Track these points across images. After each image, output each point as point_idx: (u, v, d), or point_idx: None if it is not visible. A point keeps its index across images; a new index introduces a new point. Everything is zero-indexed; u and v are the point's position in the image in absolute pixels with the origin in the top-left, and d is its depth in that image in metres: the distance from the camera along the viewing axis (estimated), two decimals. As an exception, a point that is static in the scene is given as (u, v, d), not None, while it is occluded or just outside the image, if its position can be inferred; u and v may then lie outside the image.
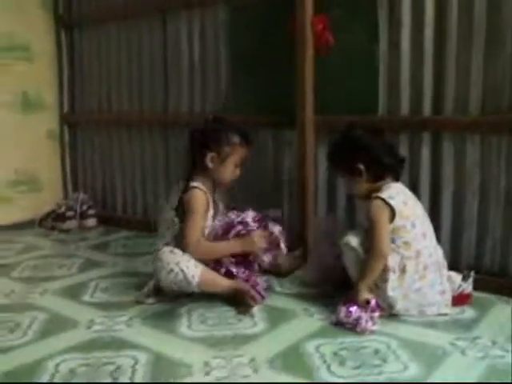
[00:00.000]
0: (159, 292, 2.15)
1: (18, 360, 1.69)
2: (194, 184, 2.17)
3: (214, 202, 2.27)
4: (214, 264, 2.14)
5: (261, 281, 2.22)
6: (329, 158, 2.22)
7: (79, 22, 3.59)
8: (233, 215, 2.24)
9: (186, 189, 2.17)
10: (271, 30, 2.68)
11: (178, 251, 2.06)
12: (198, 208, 2.14)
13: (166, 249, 2.07)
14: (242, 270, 2.18)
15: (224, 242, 2.18)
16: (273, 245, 2.22)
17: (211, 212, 2.22)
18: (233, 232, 2.18)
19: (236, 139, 2.21)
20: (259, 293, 2.10)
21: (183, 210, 2.15)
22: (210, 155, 2.18)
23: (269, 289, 2.25)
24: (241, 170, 2.28)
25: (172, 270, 2.00)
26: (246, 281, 2.14)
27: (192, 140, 2.25)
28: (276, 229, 2.26)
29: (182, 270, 2.00)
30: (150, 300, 2.15)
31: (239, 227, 2.18)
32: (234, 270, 2.16)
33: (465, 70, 2.21)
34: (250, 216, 2.22)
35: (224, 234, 2.19)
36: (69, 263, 2.68)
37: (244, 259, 2.19)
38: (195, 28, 3.00)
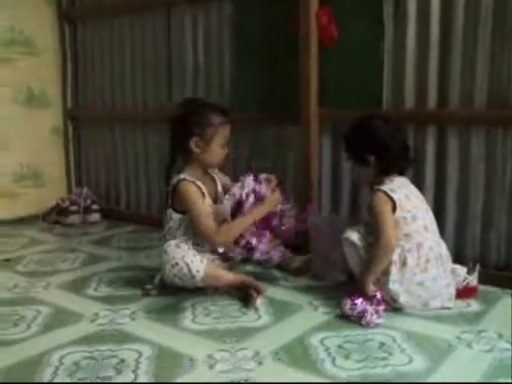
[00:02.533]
0: (165, 286, 2.14)
1: (22, 353, 1.69)
2: (181, 177, 2.14)
3: (215, 184, 2.27)
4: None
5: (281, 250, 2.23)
6: (344, 139, 2.16)
7: (83, 17, 3.59)
8: (235, 189, 2.16)
9: (175, 183, 2.14)
10: (276, 24, 2.66)
11: (183, 245, 2.05)
12: (194, 198, 2.10)
13: (172, 242, 2.06)
14: (264, 241, 2.15)
15: (242, 217, 2.12)
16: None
17: (208, 199, 2.17)
18: (247, 205, 2.13)
19: (216, 119, 2.15)
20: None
21: (180, 203, 2.14)
22: (193, 140, 2.14)
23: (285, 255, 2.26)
24: (227, 148, 2.24)
25: (177, 264, 2.00)
26: (267, 253, 2.15)
27: (173, 128, 2.21)
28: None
29: (187, 264, 1.99)
30: (155, 292, 2.15)
31: (251, 198, 2.14)
32: (253, 241, 2.12)
33: (470, 64, 2.20)
34: (251, 183, 2.17)
35: (236, 209, 2.14)
36: (72, 257, 2.68)
37: (263, 226, 2.16)
38: (199, 23, 2.99)
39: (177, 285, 2.06)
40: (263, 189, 2.18)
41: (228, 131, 2.20)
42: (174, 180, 2.16)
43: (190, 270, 1.99)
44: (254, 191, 2.16)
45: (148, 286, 2.18)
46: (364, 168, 2.08)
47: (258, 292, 2.06)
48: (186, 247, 2.05)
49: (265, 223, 2.18)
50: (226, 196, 2.17)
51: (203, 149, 2.15)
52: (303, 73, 2.51)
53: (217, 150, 2.18)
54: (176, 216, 2.16)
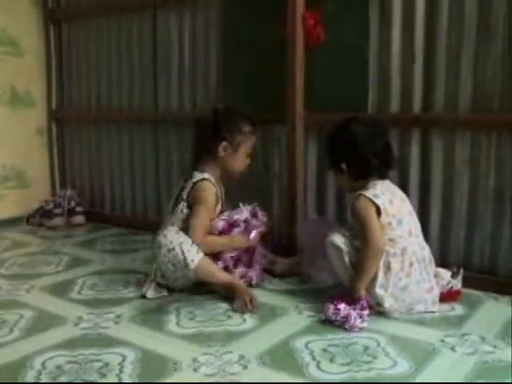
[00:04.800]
0: (157, 284, 2.16)
1: (4, 357, 1.67)
2: (206, 176, 2.18)
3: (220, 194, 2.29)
4: (213, 257, 2.15)
5: (256, 275, 2.25)
6: (325, 146, 2.18)
7: (69, 17, 3.55)
8: (234, 213, 2.23)
9: (197, 181, 2.17)
10: (263, 25, 2.66)
11: (183, 233, 2.06)
12: (209, 202, 2.14)
13: (173, 228, 2.08)
14: (241, 268, 2.21)
15: (227, 237, 2.18)
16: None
17: (219, 206, 2.22)
18: (236, 230, 2.20)
19: (247, 128, 2.23)
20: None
21: (194, 199, 2.16)
22: (223, 144, 2.19)
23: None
24: (250, 158, 2.29)
25: (173, 249, 2.01)
26: (242, 277, 2.19)
27: (204, 129, 2.25)
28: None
29: (183, 252, 2.00)
30: (150, 293, 2.14)
31: (243, 226, 2.21)
32: (230, 265, 2.18)
33: (455, 67, 2.21)
34: (246, 212, 2.24)
35: (226, 230, 2.19)
36: (56, 260, 2.66)
37: (244, 254, 2.22)
38: (186, 24, 2.98)
39: (168, 276, 2.08)
40: (254, 222, 2.24)
41: (254, 141, 2.28)
42: (197, 178, 2.19)
43: (185, 258, 2.00)
44: (246, 221, 2.22)
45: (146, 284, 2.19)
46: (339, 174, 2.09)
47: (251, 301, 2.03)
48: (185, 236, 2.06)
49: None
50: (224, 215, 2.21)
51: (229, 154, 2.20)
52: (289, 77, 2.52)
53: (241, 158, 2.25)
54: (187, 211, 2.18)
